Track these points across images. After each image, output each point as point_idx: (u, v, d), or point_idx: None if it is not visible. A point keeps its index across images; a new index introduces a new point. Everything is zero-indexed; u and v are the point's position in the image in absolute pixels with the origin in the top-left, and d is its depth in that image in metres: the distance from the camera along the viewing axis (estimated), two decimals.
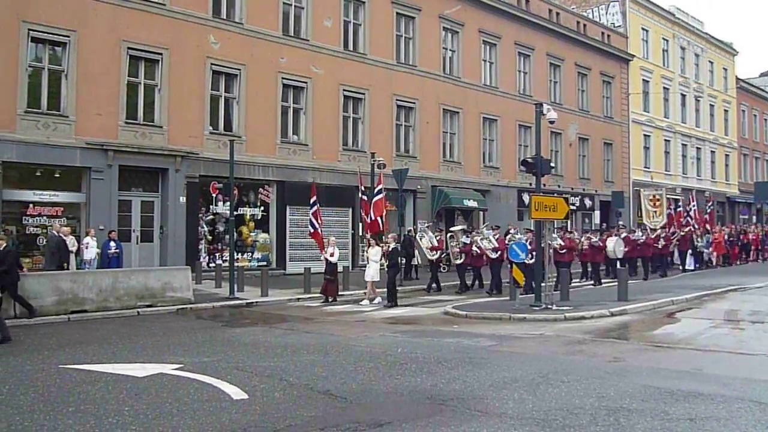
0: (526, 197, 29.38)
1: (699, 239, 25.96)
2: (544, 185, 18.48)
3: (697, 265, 25.34)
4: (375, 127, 25.82)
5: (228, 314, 14.86)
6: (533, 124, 16.99)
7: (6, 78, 17.45)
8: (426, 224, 21.43)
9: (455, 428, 5.70)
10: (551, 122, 16.50)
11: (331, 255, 16.51)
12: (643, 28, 41.52)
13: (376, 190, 18.64)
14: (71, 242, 17.15)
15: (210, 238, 21.77)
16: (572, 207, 27.30)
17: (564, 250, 18.75)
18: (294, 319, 13.61)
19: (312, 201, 18.26)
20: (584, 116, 36.32)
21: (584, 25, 37.04)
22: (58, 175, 18.70)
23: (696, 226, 25.86)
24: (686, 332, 11.53)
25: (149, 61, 20.18)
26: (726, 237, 28.69)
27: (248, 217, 22.71)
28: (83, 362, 8.73)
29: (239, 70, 22.01)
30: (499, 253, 17.92)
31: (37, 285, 13.46)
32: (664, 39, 43.38)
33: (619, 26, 40.00)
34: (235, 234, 18.96)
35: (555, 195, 17.61)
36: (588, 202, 36.25)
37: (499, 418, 5.97)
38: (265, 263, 22.33)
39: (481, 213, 29.33)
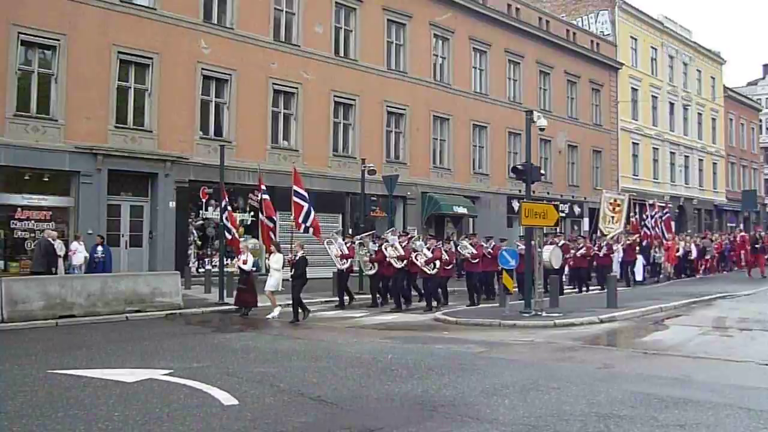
0: (515, 204, 29.49)
1: (657, 249, 24.87)
2: (534, 192, 18.53)
3: (647, 276, 23.68)
4: (365, 134, 25.83)
5: (217, 320, 14.82)
6: (523, 131, 17.05)
7: None
8: (336, 230, 19.67)
9: None
10: (541, 129, 16.54)
11: (244, 263, 15.16)
12: (631, 37, 41.84)
13: (298, 191, 16.97)
14: (59, 246, 17.03)
15: (199, 243, 21.67)
16: (562, 214, 27.38)
17: (476, 260, 17.11)
18: (284, 325, 13.59)
19: (223, 204, 17.45)
20: (573, 124, 36.50)
21: (574, 34, 37.28)
22: (46, 179, 18.57)
23: (663, 235, 24.84)
24: (675, 339, 11.63)
25: (139, 66, 20.10)
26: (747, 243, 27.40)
27: (238, 222, 22.58)
28: (72, 367, 8.66)
29: (230, 75, 21.97)
30: (405, 262, 16.18)
31: (24, 289, 13.37)
32: (652, 48, 43.73)
33: (609, 35, 40.28)
34: (224, 239, 18.87)
35: (544, 202, 17.64)
36: (577, 210, 36.43)
37: (490, 424, 5.99)
38: (254, 269, 22.16)
39: (471, 220, 29.41)
